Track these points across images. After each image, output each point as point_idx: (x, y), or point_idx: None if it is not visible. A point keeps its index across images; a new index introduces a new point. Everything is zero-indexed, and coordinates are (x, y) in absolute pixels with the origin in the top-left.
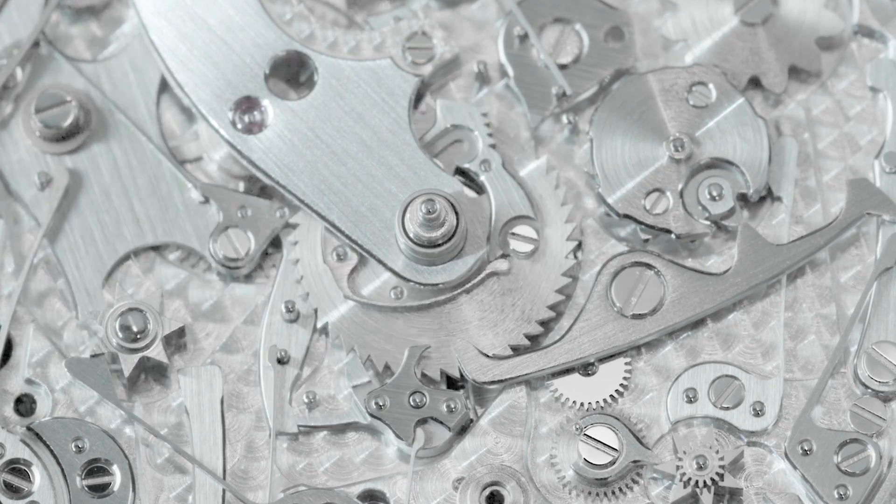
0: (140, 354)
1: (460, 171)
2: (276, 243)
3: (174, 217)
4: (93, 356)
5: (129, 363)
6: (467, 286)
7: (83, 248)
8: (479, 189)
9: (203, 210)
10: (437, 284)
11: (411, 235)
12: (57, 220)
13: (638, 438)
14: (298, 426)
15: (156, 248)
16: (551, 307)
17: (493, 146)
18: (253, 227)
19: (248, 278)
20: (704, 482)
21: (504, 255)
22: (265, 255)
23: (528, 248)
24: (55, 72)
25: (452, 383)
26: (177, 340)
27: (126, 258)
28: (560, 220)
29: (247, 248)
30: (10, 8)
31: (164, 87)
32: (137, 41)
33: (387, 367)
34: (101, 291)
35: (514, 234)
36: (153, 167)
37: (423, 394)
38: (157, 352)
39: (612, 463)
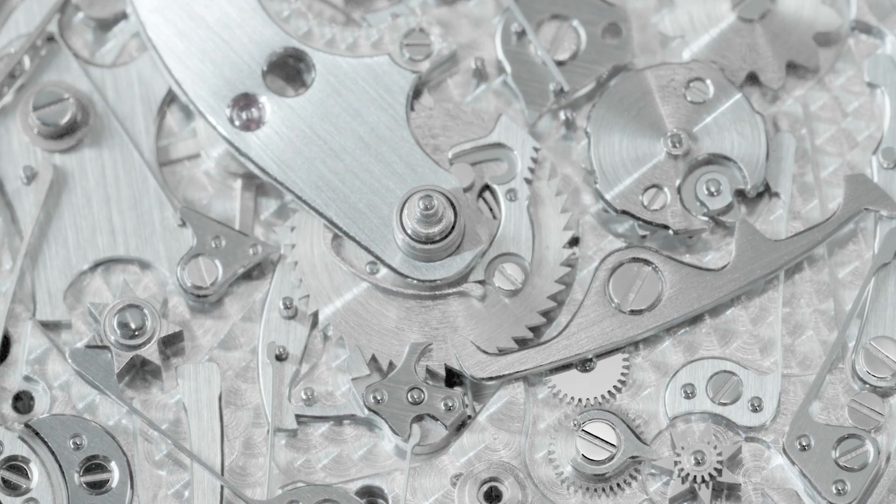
0: (133, 353)
1: (487, 188)
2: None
3: (149, 235)
4: (88, 347)
5: (120, 360)
6: (438, 293)
7: (53, 249)
8: (494, 210)
9: (178, 233)
10: (434, 281)
11: (409, 232)
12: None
13: (636, 434)
14: (296, 415)
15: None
16: (551, 298)
17: (529, 181)
18: (223, 259)
19: (247, 275)
20: (702, 477)
21: (482, 282)
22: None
23: (510, 287)
24: (63, 70)
25: (451, 376)
26: (174, 344)
27: (94, 268)
28: (555, 212)
29: (214, 277)
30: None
31: (167, 102)
32: (148, 56)
33: (391, 366)
34: (62, 294)
35: (502, 269)
36: (139, 182)
37: (422, 390)
38: (150, 352)
39: (610, 459)
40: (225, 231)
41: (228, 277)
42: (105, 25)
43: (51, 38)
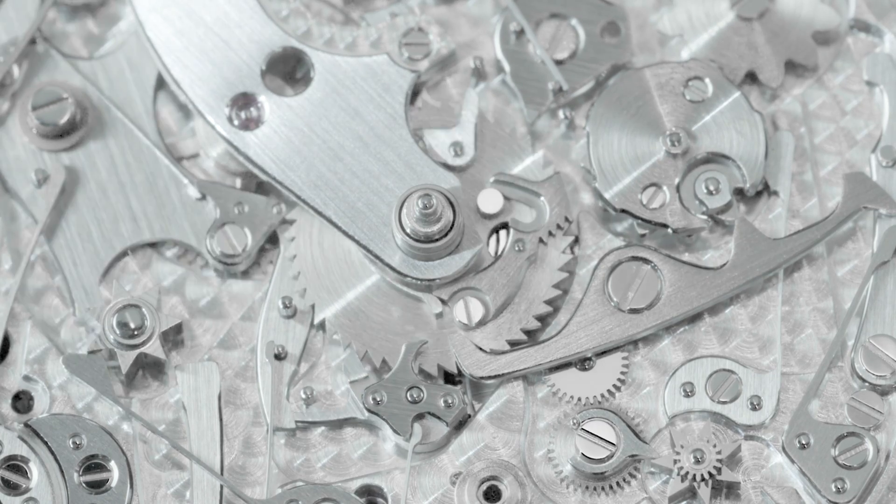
0: (137, 351)
1: (504, 226)
2: (272, 239)
3: (171, 214)
4: (90, 353)
5: (126, 359)
6: (402, 290)
7: (80, 245)
8: (498, 247)
9: (200, 207)
10: (434, 280)
11: (408, 231)
12: (54, 218)
13: (635, 433)
14: (296, 422)
15: (153, 245)
16: (548, 302)
17: (543, 242)
18: (250, 224)
19: (246, 274)
20: (702, 476)
21: (444, 302)
22: (262, 250)
23: (465, 321)
24: (52, 69)
25: (450, 378)
26: (174, 337)
27: (123, 255)
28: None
29: (244, 244)
30: (6, 5)
31: (160, 84)
32: (134, 39)
33: (384, 363)
34: (98, 288)
35: (466, 301)
36: (150, 164)
37: (421, 389)
38: (154, 348)
39: (610, 457)
40: (245, 196)
41: (258, 240)
42: (86, 10)
43: (33, 41)
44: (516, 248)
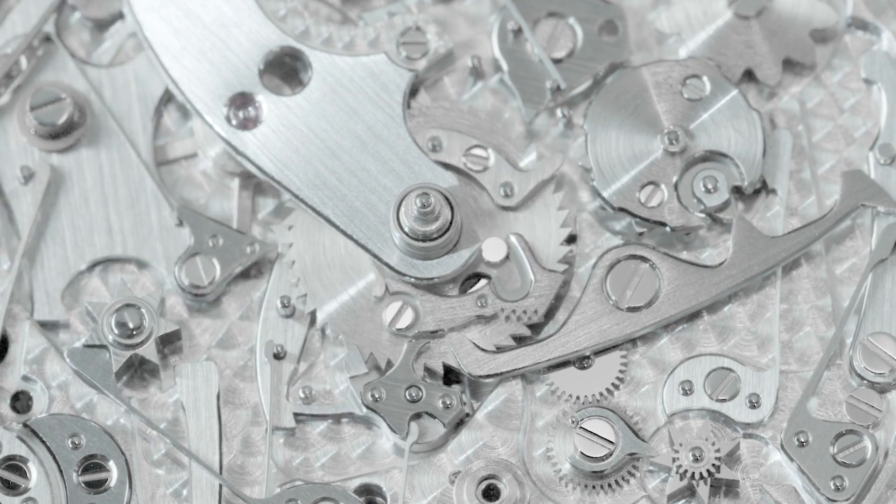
0: (131, 352)
1: (488, 279)
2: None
3: (146, 234)
4: (86, 346)
5: (119, 359)
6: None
7: (51, 249)
8: (481, 272)
9: (176, 233)
10: (432, 279)
11: (406, 230)
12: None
13: (634, 431)
14: (294, 414)
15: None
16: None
17: (503, 313)
18: (221, 258)
19: (244, 274)
20: (701, 474)
21: (390, 292)
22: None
23: (388, 319)
24: (60, 70)
25: (449, 375)
26: (172, 343)
27: (91, 269)
28: (552, 208)
29: (212, 276)
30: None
31: (164, 101)
32: (144, 55)
33: (389, 364)
34: (59, 294)
35: (402, 307)
36: (136, 181)
37: (420, 388)
38: (148, 350)
39: (609, 456)
40: (222, 230)
41: (226, 276)
42: (101, 25)
43: (47, 38)
44: (478, 304)
